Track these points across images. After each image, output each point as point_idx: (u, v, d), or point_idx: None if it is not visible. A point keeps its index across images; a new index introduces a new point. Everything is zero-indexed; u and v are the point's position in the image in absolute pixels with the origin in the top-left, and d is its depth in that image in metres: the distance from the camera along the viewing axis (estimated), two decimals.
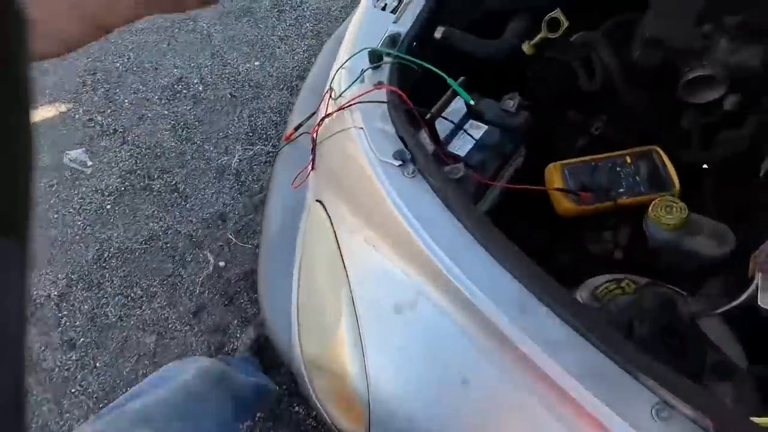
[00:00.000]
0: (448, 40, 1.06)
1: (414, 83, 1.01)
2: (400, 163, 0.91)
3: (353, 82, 1.03)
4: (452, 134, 1.03)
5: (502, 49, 1.08)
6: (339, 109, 1.02)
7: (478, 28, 1.12)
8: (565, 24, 0.99)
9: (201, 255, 2.01)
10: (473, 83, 1.18)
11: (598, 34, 1.02)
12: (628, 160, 0.99)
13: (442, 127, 1.03)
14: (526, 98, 1.02)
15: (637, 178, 0.97)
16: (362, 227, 0.96)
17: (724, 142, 0.98)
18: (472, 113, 1.05)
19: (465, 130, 1.02)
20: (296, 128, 1.28)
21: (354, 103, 0.99)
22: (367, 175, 0.95)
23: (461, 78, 0.95)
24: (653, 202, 0.92)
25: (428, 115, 0.91)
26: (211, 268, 1.98)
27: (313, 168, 1.21)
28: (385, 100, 0.96)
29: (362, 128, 0.98)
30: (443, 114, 1.03)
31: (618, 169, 0.98)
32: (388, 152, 0.93)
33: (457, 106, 1.07)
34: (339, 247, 1.00)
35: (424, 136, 0.97)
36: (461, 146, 1.01)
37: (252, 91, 2.49)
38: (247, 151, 2.29)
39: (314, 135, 1.13)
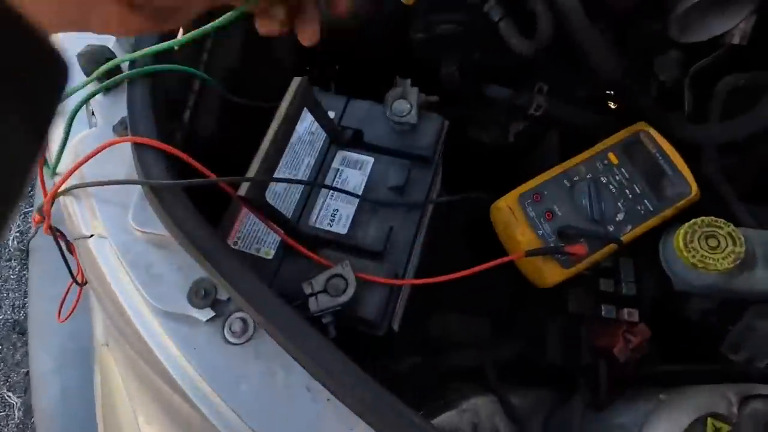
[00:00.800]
0: None
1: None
2: (211, 314, 0.40)
3: (64, 141, 0.46)
4: (310, 192, 0.52)
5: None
6: (51, 199, 0.45)
7: None
8: None
9: None
10: (327, 77, 0.68)
11: None
12: (613, 158, 0.59)
13: (282, 189, 0.52)
14: (422, 87, 0.54)
15: (635, 187, 0.57)
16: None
17: (736, 95, 0.62)
18: (338, 139, 0.54)
19: (334, 178, 0.52)
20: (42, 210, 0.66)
21: (68, 190, 0.44)
22: (142, 341, 0.42)
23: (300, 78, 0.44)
24: (679, 234, 0.53)
25: (243, 190, 0.39)
26: None
27: (82, 283, 0.65)
28: (138, 167, 0.42)
29: (106, 238, 0.43)
30: (283, 160, 0.52)
31: (604, 179, 0.57)
32: (174, 290, 0.41)
33: (307, 132, 0.56)
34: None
35: (247, 221, 0.46)
36: (333, 212, 0.51)
37: None
38: None
39: (49, 224, 0.54)
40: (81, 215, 0.45)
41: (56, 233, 0.53)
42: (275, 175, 0.49)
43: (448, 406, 0.62)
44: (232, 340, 0.39)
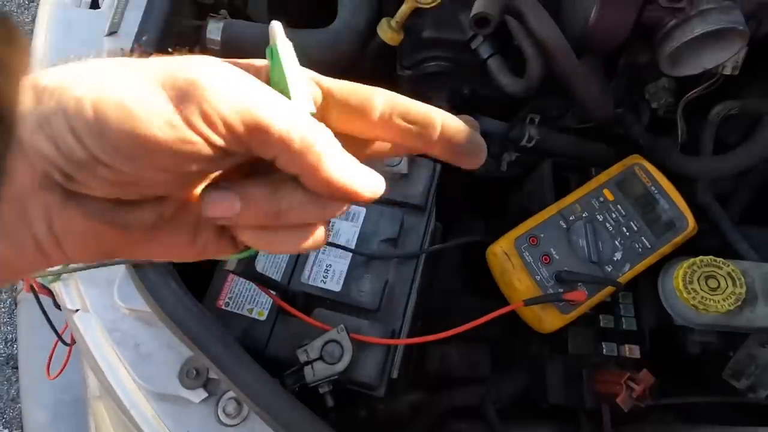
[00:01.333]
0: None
1: None
2: (204, 395, 0.39)
3: None
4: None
5: (329, 42, 0.57)
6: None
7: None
8: None
9: None
10: None
11: None
12: (608, 194, 0.58)
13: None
14: None
15: (632, 224, 0.57)
16: None
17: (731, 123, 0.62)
18: None
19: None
20: None
21: (56, 275, 0.42)
22: (134, 422, 0.40)
23: None
24: (678, 275, 0.52)
25: (232, 265, 0.37)
26: None
27: (70, 343, 0.64)
28: None
29: (91, 315, 0.42)
30: None
31: (600, 217, 0.57)
32: (165, 369, 0.40)
33: None
34: None
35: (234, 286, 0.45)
36: (326, 269, 0.50)
37: None
38: None
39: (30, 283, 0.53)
40: (65, 290, 0.44)
41: (40, 288, 0.51)
42: None
43: None
44: (226, 421, 0.38)
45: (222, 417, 0.38)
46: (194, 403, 0.38)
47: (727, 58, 0.54)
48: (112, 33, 0.49)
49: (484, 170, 0.79)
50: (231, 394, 0.39)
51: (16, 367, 1.40)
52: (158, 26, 0.47)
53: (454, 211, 0.83)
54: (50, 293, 0.53)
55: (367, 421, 0.68)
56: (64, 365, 0.67)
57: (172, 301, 0.37)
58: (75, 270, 0.42)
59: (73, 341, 0.66)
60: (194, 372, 0.39)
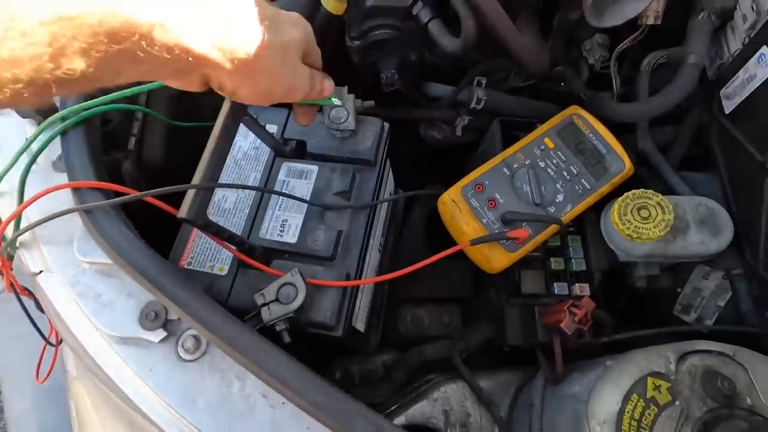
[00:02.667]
0: None
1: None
2: (163, 334, 0.41)
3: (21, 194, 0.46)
4: (259, 206, 0.54)
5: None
6: (6, 251, 0.45)
7: None
8: None
9: None
10: None
11: None
12: (549, 143, 0.62)
13: (231, 205, 0.53)
14: (357, 91, 0.56)
15: (572, 168, 0.60)
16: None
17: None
18: (281, 151, 0.56)
19: (281, 189, 0.54)
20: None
21: (17, 236, 0.44)
22: (100, 369, 0.42)
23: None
24: (613, 209, 0.56)
25: (184, 212, 0.40)
26: None
27: (57, 343, 0.65)
28: (76, 206, 0.42)
29: (54, 272, 0.44)
30: (230, 175, 0.53)
31: (542, 164, 0.60)
32: (126, 315, 0.42)
33: (252, 147, 0.57)
34: None
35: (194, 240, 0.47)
36: (282, 223, 0.52)
37: None
38: None
39: (11, 281, 0.54)
40: (29, 255, 0.46)
41: (22, 290, 0.52)
42: (220, 191, 0.50)
43: (420, 397, 0.64)
44: (185, 357, 0.40)
45: (182, 353, 0.41)
46: (154, 343, 0.41)
47: (645, 6, 0.58)
48: None
49: (441, 137, 0.83)
50: (190, 331, 0.41)
51: None
52: None
53: (418, 180, 0.87)
54: (31, 295, 0.54)
55: (342, 383, 0.70)
56: (52, 366, 0.68)
57: (126, 245, 0.40)
58: (31, 227, 0.44)
59: (59, 341, 0.67)
60: (153, 314, 0.41)
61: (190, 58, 0.27)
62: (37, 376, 0.70)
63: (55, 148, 0.48)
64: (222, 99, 0.49)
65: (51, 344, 0.66)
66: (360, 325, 0.60)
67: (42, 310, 0.56)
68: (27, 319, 0.74)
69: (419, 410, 0.62)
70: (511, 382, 0.64)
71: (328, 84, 0.45)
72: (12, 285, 0.52)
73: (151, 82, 0.49)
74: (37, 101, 0.22)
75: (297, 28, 0.37)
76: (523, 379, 0.63)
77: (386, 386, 0.71)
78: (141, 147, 0.63)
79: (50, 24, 0.21)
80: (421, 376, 0.69)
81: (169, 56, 0.26)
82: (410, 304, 0.81)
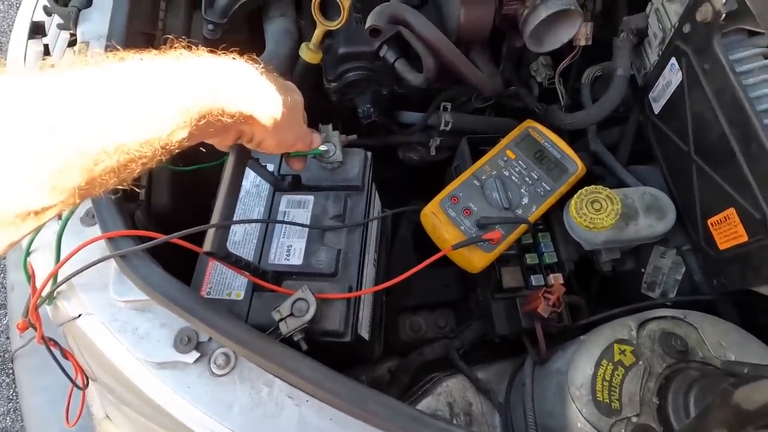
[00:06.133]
0: None
1: None
2: (197, 355, 0.47)
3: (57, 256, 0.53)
4: (265, 236, 0.61)
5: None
6: (35, 305, 0.51)
7: None
8: (347, 3, 0.63)
9: None
10: None
11: (398, 3, 0.68)
12: (510, 154, 0.71)
13: (240, 238, 0.61)
14: (344, 126, 0.65)
15: (533, 174, 0.69)
16: None
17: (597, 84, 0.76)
18: (280, 186, 0.64)
19: (283, 219, 0.61)
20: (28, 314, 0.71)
21: (54, 290, 0.50)
22: (142, 395, 0.48)
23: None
24: (571, 205, 0.65)
25: (208, 245, 0.47)
26: None
27: (83, 386, 0.68)
28: (112, 252, 0.49)
29: (93, 314, 0.50)
30: (237, 212, 0.61)
31: (507, 173, 0.69)
32: (161, 343, 0.48)
33: (253, 186, 0.65)
34: None
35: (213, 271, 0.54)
36: (288, 248, 0.60)
37: None
38: None
39: (42, 334, 0.59)
40: (66, 302, 0.52)
41: (48, 341, 0.57)
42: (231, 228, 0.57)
43: (425, 394, 0.70)
44: (218, 372, 0.47)
45: (214, 369, 0.47)
46: (189, 363, 0.47)
47: (576, 31, 0.68)
48: None
49: (418, 158, 0.92)
50: (220, 350, 0.47)
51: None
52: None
53: (403, 199, 0.95)
54: (56, 344, 0.59)
55: None
56: (82, 406, 0.72)
57: (159, 281, 0.46)
58: (70, 278, 0.50)
59: (86, 384, 0.72)
60: (186, 339, 0.48)
61: (242, 119, 0.37)
62: (67, 419, 0.74)
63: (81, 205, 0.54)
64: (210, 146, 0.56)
65: (78, 387, 0.71)
66: (365, 333, 0.66)
67: (67, 358, 0.61)
68: (48, 372, 0.78)
69: (426, 405, 0.68)
70: (505, 371, 0.71)
71: (317, 137, 0.55)
72: (42, 337, 0.58)
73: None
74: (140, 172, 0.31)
75: (297, 93, 0.46)
76: (514, 366, 0.70)
77: (394, 390, 0.77)
78: (149, 196, 0.70)
79: (174, 116, 0.31)
80: (424, 376, 0.76)
81: (230, 120, 0.36)
82: (407, 313, 0.89)
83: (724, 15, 0.51)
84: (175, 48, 0.35)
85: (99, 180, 0.28)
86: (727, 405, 0.40)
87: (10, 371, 1.45)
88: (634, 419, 0.48)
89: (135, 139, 0.29)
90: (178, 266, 0.55)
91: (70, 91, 0.27)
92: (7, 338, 1.49)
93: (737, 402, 0.40)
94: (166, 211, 0.71)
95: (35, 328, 0.55)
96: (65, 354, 0.59)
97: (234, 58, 0.38)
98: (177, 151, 0.34)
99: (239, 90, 0.37)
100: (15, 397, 1.41)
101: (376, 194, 0.74)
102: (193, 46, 0.36)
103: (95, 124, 0.27)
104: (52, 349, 0.59)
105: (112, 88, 0.29)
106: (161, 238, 0.48)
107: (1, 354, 1.47)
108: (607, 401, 0.49)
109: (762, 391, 0.41)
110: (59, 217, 0.60)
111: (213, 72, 0.36)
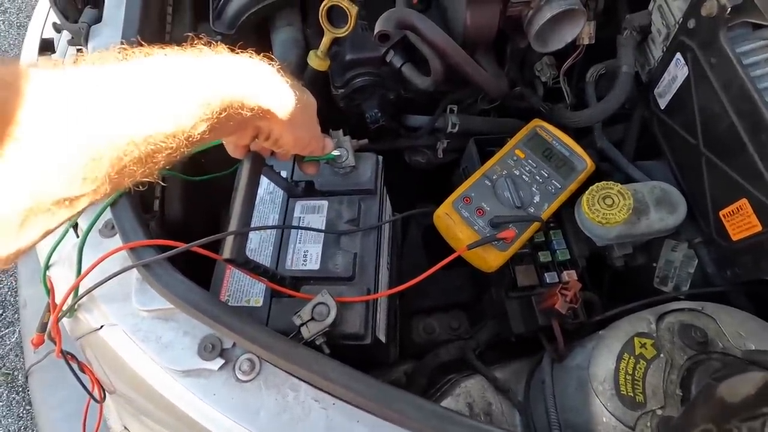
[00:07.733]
0: None
1: None
2: (221, 362, 0.47)
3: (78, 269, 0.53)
4: (281, 242, 0.61)
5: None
6: (57, 319, 0.51)
7: None
8: (354, 11, 0.64)
9: None
10: None
11: (405, 8, 0.69)
12: (520, 153, 0.71)
13: (256, 245, 0.61)
14: (352, 131, 0.65)
15: (543, 173, 0.70)
16: None
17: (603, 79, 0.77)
18: (293, 192, 0.64)
19: (298, 224, 0.62)
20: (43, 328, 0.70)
21: (76, 302, 0.51)
22: (167, 403, 0.48)
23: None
24: (583, 201, 0.65)
25: (227, 253, 0.47)
26: None
27: (100, 399, 0.68)
28: (134, 262, 0.49)
29: (116, 325, 0.50)
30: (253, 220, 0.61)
31: (517, 172, 0.70)
32: (186, 351, 0.48)
33: (267, 193, 0.65)
34: None
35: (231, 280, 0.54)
36: (304, 254, 0.60)
37: None
38: None
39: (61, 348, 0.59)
40: (88, 314, 0.52)
41: (67, 355, 0.56)
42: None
43: (444, 395, 0.70)
44: (243, 378, 0.47)
45: (239, 375, 0.47)
46: (214, 371, 0.47)
47: (579, 31, 0.69)
48: None
49: (425, 161, 0.92)
50: (244, 356, 0.47)
51: None
52: None
53: (411, 201, 0.96)
54: (74, 358, 0.59)
55: None
56: (99, 418, 0.72)
57: (183, 290, 0.47)
58: (91, 290, 0.50)
59: (104, 398, 0.71)
60: (210, 346, 0.48)
61: (260, 114, 0.38)
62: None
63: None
64: (223, 154, 0.57)
65: (96, 400, 0.71)
66: (382, 335, 0.66)
67: (84, 371, 0.61)
68: (64, 387, 0.77)
69: (445, 406, 0.68)
70: (522, 370, 0.71)
71: (329, 142, 0.55)
72: (61, 351, 0.58)
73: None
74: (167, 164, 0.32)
75: (311, 95, 0.46)
76: (532, 364, 0.70)
77: (411, 392, 0.77)
78: (163, 207, 0.70)
79: (197, 108, 0.32)
80: (440, 378, 0.76)
81: (249, 114, 0.37)
82: (421, 315, 0.89)
83: (729, 9, 0.52)
84: (195, 45, 0.35)
85: (128, 170, 0.30)
86: (712, 399, 0.41)
87: (20, 389, 1.44)
88: (659, 412, 0.48)
89: (161, 131, 0.30)
90: (192, 276, 0.55)
91: (102, 84, 0.29)
92: (16, 356, 1.49)
93: (721, 396, 0.41)
94: (179, 221, 0.72)
95: (55, 342, 0.55)
96: (82, 367, 0.59)
97: (251, 56, 0.39)
98: (200, 145, 0.35)
99: (258, 85, 0.38)
100: (25, 415, 1.41)
101: (387, 197, 0.75)
102: (213, 43, 0.37)
103: (124, 117, 0.29)
104: (70, 363, 0.59)
105: (140, 82, 0.30)
106: (182, 246, 0.49)
107: (10, 372, 1.47)
108: (631, 395, 0.50)
109: (745, 384, 0.41)
110: (74, 229, 0.61)
111: (233, 67, 0.37)
